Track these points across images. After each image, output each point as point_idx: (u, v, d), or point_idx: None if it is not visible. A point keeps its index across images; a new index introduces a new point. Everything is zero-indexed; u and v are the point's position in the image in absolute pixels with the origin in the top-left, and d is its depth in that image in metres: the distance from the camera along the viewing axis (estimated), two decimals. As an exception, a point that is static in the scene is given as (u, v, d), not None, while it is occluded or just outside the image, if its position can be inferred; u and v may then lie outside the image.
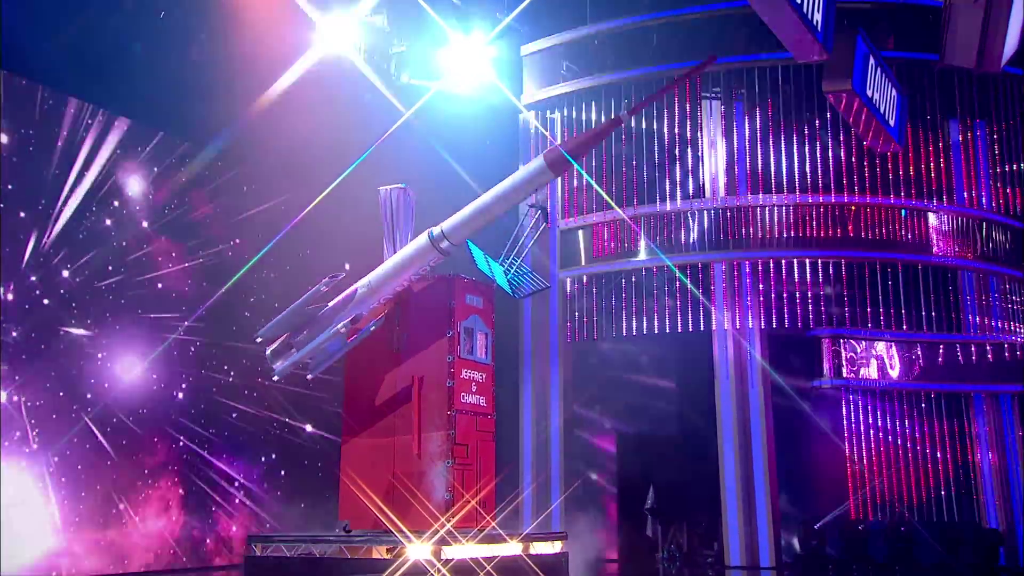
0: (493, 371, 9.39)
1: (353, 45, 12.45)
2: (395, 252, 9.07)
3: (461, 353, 8.92)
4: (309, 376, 8.94)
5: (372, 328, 8.97)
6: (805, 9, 8.48)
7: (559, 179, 15.55)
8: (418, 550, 7.96)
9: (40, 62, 10.18)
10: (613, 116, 8.17)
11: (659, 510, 15.03)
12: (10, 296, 10.19)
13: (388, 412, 9.03)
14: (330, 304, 8.72)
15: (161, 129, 11.73)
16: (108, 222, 11.31)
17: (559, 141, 15.13)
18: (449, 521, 8.39)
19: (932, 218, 15.04)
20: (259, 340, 8.76)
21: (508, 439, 14.10)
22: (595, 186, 14.73)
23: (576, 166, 8.22)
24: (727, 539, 14.28)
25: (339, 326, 8.66)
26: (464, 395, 8.96)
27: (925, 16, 13.00)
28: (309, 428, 13.38)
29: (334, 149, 11.72)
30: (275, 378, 9.04)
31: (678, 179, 15.11)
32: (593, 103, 15.20)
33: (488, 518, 9.04)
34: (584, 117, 15.23)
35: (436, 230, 8.49)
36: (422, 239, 8.55)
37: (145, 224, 11.71)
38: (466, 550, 8.15)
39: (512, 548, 8.76)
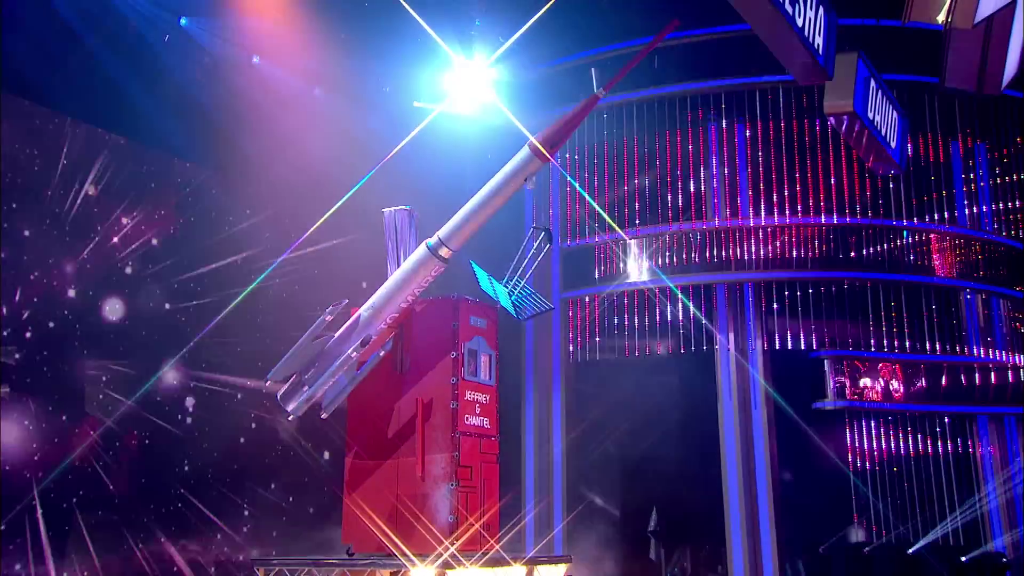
0: (497, 392, 9.37)
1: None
2: (399, 272, 9.08)
3: (465, 374, 8.88)
4: (324, 415, 8.82)
5: (381, 354, 8.90)
6: (806, 32, 8.59)
7: (561, 201, 15.70)
8: (422, 573, 7.93)
9: (43, 85, 10.27)
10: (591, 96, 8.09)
11: (662, 533, 14.99)
12: (14, 318, 10.21)
13: (392, 434, 8.99)
14: (336, 334, 8.66)
15: (166, 151, 11.82)
16: (115, 240, 11.37)
17: (560, 161, 15.28)
18: (453, 544, 8.32)
19: (934, 239, 15.17)
20: (269, 383, 8.62)
21: (510, 461, 14.09)
22: (597, 208, 14.85)
23: (555, 164, 8.19)
24: (731, 562, 14.27)
25: (350, 350, 8.59)
26: (468, 417, 8.91)
27: (925, 39, 13.09)
28: (327, 456, 13.33)
29: (341, 171, 11.82)
30: (290, 418, 9.00)
31: (680, 200, 15.25)
32: (596, 124, 15.43)
33: (492, 541, 8.98)
34: (585, 137, 15.44)
35: (433, 240, 8.46)
36: (421, 250, 8.54)
37: (155, 242, 11.78)
38: (470, 574, 8.11)
39: (516, 572, 8.74)
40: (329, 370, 8.54)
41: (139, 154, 11.53)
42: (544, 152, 8.05)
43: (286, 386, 8.61)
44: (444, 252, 8.41)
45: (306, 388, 8.57)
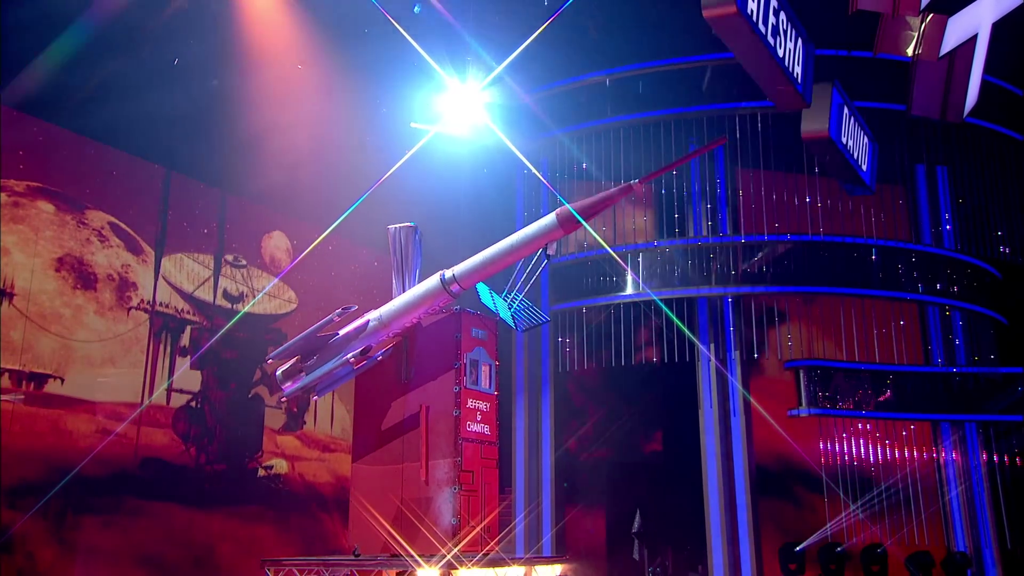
0: (497, 401, 9.66)
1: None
2: (404, 287, 9.34)
3: (467, 383, 9.13)
4: (315, 398, 9.17)
5: (379, 357, 9.20)
6: (786, 62, 9.14)
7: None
8: (428, 574, 8.16)
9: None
10: (623, 183, 8.33)
11: (645, 534, 15.34)
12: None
13: (396, 440, 9.23)
14: (341, 332, 8.98)
15: (169, 168, 12.04)
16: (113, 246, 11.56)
17: (550, 181, 15.66)
18: (456, 546, 8.58)
19: (901, 256, 15.70)
20: (270, 361, 9.01)
21: (502, 467, 14.36)
22: (585, 225, 15.15)
23: (586, 226, 8.53)
24: (711, 562, 14.64)
25: (349, 356, 8.89)
26: (470, 424, 9.15)
27: (894, 69, 13.72)
28: None
29: (338, 189, 12.12)
30: (283, 399, 9.22)
31: (664, 218, 15.68)
32: (583, 147, 15.83)
33: (493, 543, 9.28)
34: (574, 159, 15.85)
35: (448, 273, 8.70)
36: (433, 281, 8.79)
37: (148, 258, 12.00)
38: (474, 574, 8.37)
39: (516, 572, 9.06)
40: (327, 366, 8.86)
41: (141, 169, 11.78)
42: (577, 217, 8.17)
43: (286, 366, 8.91)
44: (455, 288, 8.67)
45: (304, 375, 8.88)
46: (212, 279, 12.89)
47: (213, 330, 12.62)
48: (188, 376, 12.60)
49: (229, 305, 13.04)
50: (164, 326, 12.27)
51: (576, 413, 16.70)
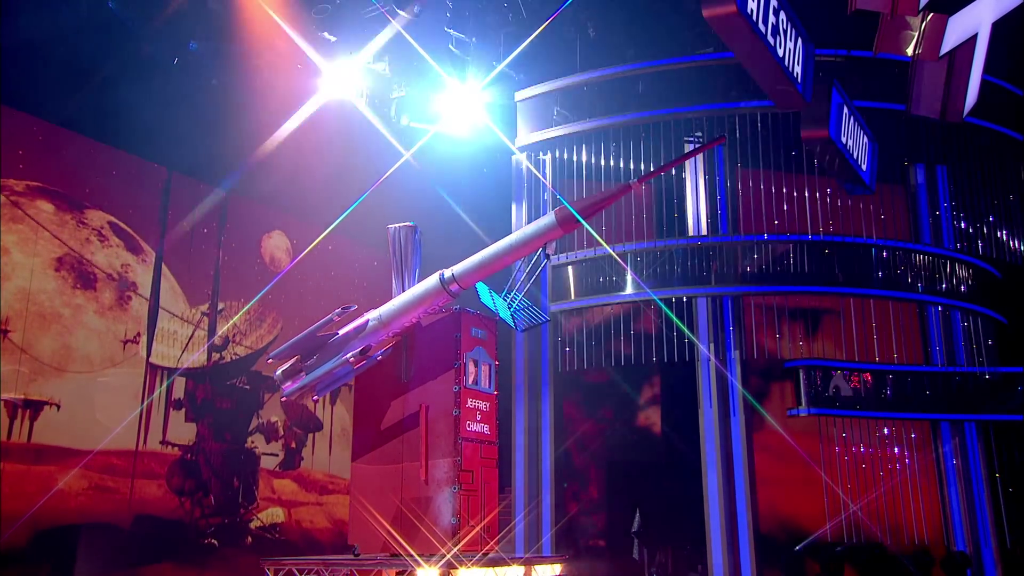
0: (496, 400, 9.69)
1: (356, 90, 12.97)
2: (403, 287, 9.40)
3: (467, 383, 9.19)
4: (315, 398, 9.18)
5: (379, 357, 9.24)
6: (786, 62, 9.14)
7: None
8: (427, 574, 8.18)
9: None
10: (621, 182, 8.32)
11: (645, 534, 15.36)
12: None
13: (396, 439, 9.26)
14: (341, 332, 9.01)
15: (170, 168, 12.06)
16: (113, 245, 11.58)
17: (549, 181, 15.66)
18: (456, 545, 8.59)
19: (900, 256, 15.72)
20: (271, 361, 9.06)
21: (501, 467, 14.39)
22: (585, 224, 15.18)
23: (586, 225, 8.54)
24: (711, 561, 14.65)
25: (348, 356, 8.92)
26: (469, 423, 9.20)
27: (894, 69, 13.77)
28: None
29: (338, 189, 12.13)
30: (283, 399, 9.27)
31: (664, 218, 15.69)
32: (583, 146, 15.83)
33: (492, 543, 9.26)
34: (574, 159, 15.85)
35: (447, 273, 8.73)
36: (433, 280, 8.82)
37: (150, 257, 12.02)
38: (473, 574, 8.39)
39: (515, 572, 9.06)
40: (327, 366, 8.91)
41: (145, 172, 11.80)
42: (577, 216, 8.24)
43: (287, 365, 8.98)
44: (454, 288, 8.73)
45: (304, 374, 8.93)
46: (206, 337, 12.90)
47: (208, 382, 12.57)
48: (183, 428, 12.53)
49: (218, 356, 13.08)
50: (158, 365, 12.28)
51: (576, 413, 16.69)
